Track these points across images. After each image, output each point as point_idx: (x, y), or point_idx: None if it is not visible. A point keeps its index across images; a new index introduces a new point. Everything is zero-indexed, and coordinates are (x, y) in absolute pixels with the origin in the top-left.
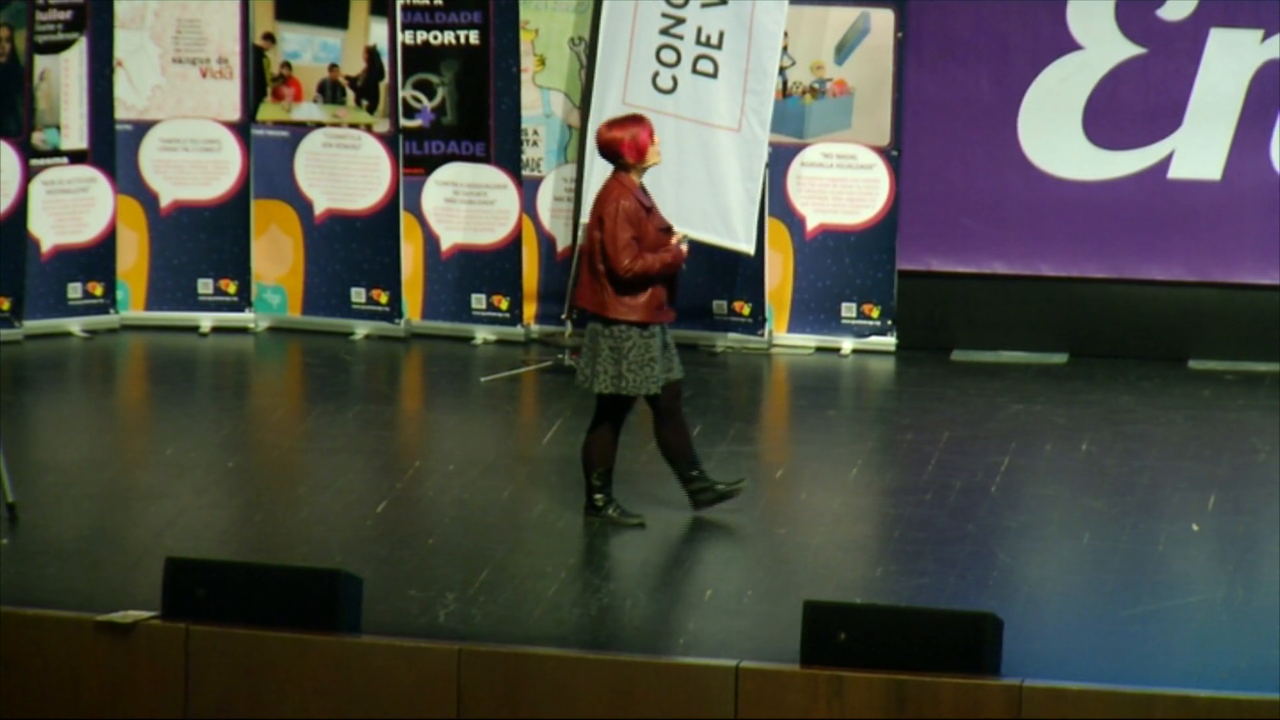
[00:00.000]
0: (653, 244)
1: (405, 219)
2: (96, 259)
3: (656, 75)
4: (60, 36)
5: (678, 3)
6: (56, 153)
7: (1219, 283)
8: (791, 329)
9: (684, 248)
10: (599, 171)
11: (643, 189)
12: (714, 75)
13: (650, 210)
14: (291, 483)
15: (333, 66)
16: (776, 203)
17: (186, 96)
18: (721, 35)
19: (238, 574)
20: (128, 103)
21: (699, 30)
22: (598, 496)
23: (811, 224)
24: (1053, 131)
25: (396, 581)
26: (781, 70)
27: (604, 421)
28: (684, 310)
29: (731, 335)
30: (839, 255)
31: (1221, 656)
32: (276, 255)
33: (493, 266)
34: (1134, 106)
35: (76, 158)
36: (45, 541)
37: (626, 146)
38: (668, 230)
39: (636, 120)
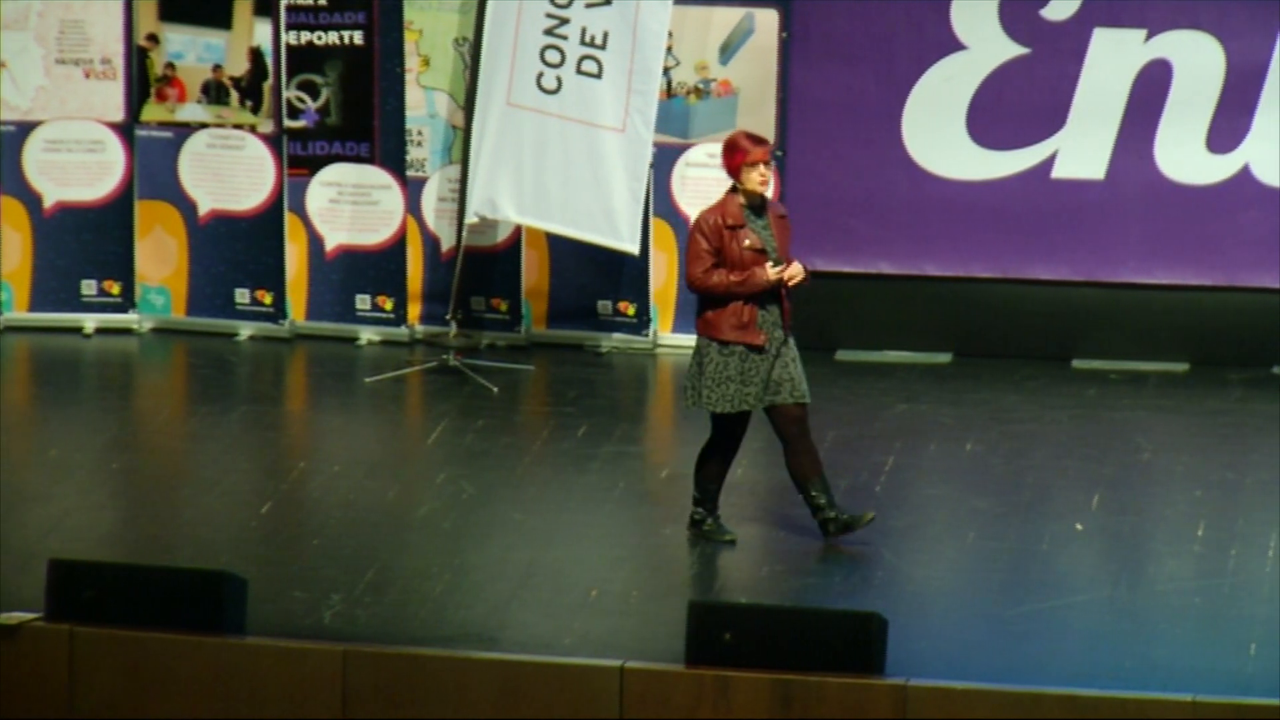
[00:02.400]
0: (735, 262)
1: (290, 219)
2: None
3: (541, 75)
4: None
5: (562, 3)
6: None
7: (1103, 282)
8: (676, 329)
9: (770, 275)
10: (483, 172)
11: (747, 211)
12: (599, 75)
13: (737, 229)
14: (176, 484)
15: (217, 67)
16: (661, 203)
17: (70, 97)
18: (606, 35)
19: (122, 575)
20: (11, 103)
21: (583, 30)
22: (696, 510)
23: None
24: (937, 131)
25: (281, 582)
26: (666, 70)
27: (713, 438)
28: (568, 311)
29: (616, 335)
30: None
31: (1107, 656)
32: (161, 256)
33: (377, 267)
34: (1018, 106)
35: None
36: None
37: (723, 155)
38: (761, 252)
39: (755, 141)
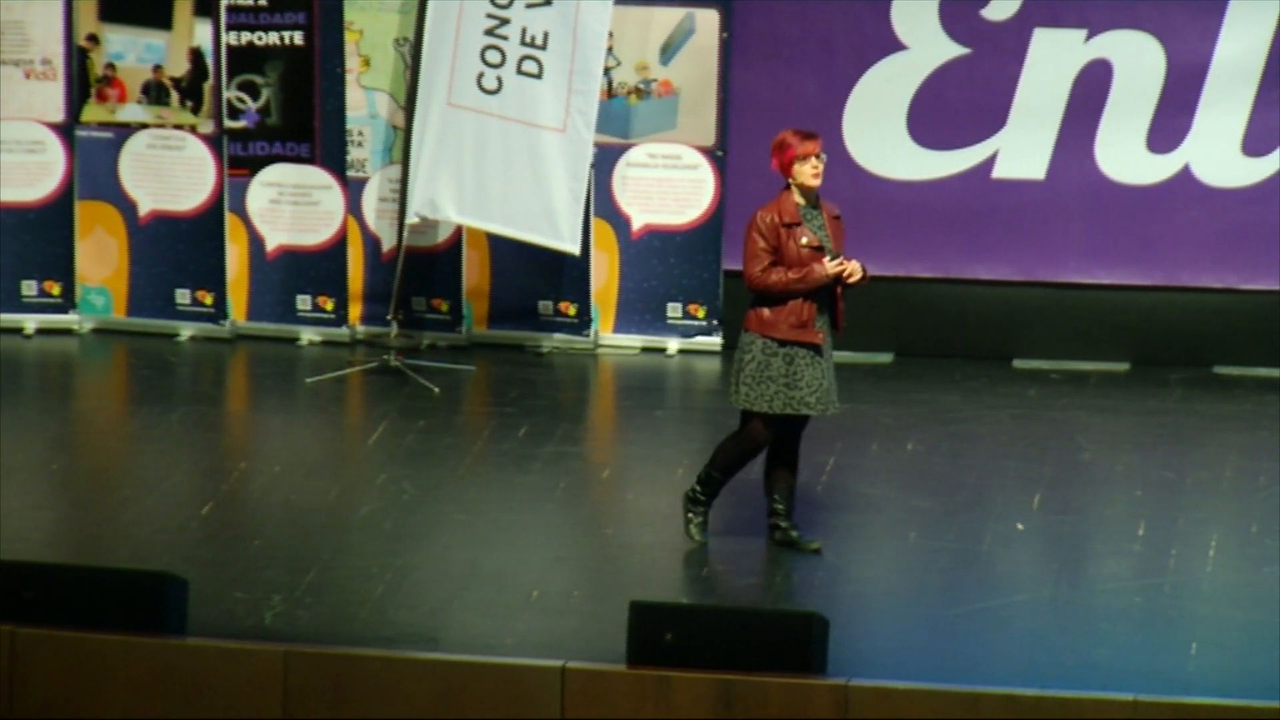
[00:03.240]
0: (793, 260)
1: (230, 220)
2: None
3: (481, 76)
4: None
5: (502, 3)
6: None
7: (1044, 282)
8: (617, 329)
9: (830, 269)
10: (424, 172)
11: (803, 207)
12: (539, 76)
13: (794, 226)
14: (117, 485)
15: (157, 67)
16: (602, 203)
17: (10, 98)
18: (546, 36)
19: (63, 576)
20: None
21: (524, 31)
22: (696, 488)
23: (637, 224)
24: (877, 131)
25: (222, 583)
26: (606, 70)
27: (740, 429)
28: (509, 311)
29: (557, 336)
30: (665, 255)
31: (1047, 655)
32: (101, 257)
33: (318, 267)
34: (958, 106)
35: None
36: None
37: (773, 154)
38: (819, 249)
39: (804, 136)
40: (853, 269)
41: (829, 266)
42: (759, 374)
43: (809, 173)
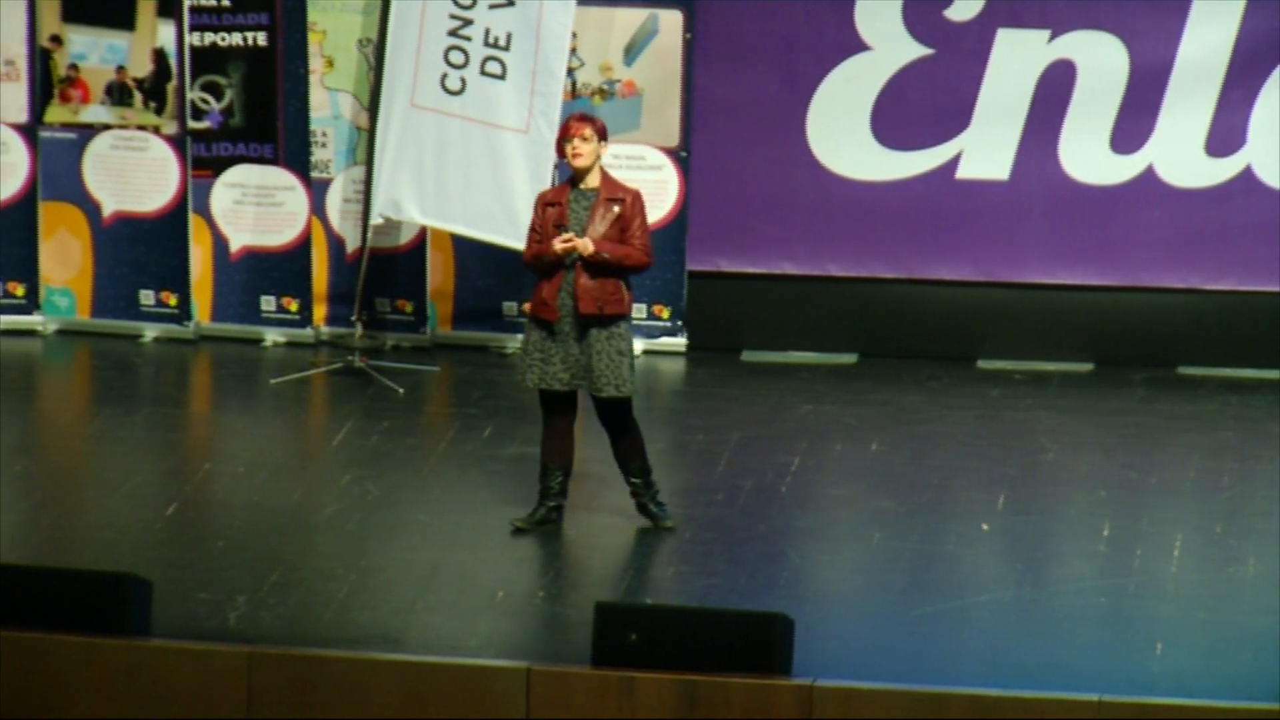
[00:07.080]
0: (546, 237)
1: (194, 221)
2: None
3: (445, 77)
4: None
5: (465, 4)
6: None
7: (1007, 282)
8: None
9: (557, 246)
10: (387, 173)
11: (575, 189)
12: (502, 77)
13: (552, 205)
14: (80, 486)
15: (120, 68)
16: None
17: None
18: (509, 37)
19: (26, 578)
20: None
21: (487, 32)
22: (644, 499)
23: None
24: (841, 132)
25: (186, 584)
26: (570, 71)
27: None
28: (473, 312)
29: (521, 337)
30: None
31: (1012, 655)
32: (65, 258)
33: (282, 268)
34: (922, 107)
35: None
36: None
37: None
38: (559, 228)
39: (574, 118)
40: (575, 245)
41: (555, 244)
42: (525, 348)
43: (569, 152)
